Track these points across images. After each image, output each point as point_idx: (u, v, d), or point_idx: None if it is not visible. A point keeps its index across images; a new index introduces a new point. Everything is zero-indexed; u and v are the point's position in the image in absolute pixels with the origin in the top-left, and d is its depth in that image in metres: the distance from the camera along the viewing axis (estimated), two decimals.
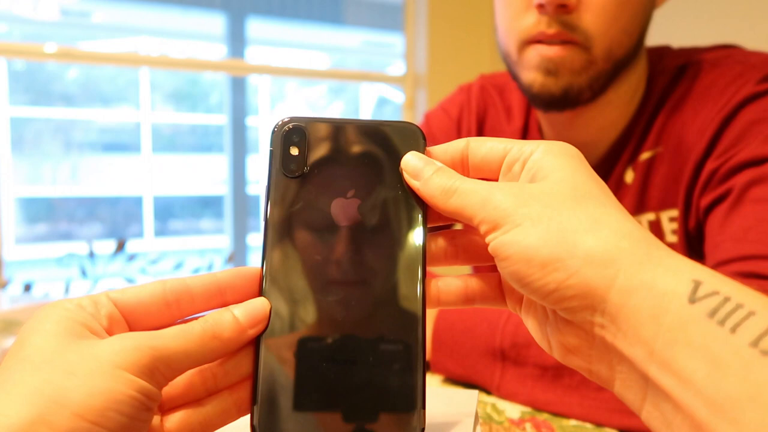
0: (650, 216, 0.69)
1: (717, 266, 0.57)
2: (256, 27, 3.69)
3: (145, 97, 3.75)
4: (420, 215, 0.32)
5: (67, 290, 2.55)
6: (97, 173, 3.85)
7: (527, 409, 0.57)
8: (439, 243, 0.33)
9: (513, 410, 0.56)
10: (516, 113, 0.80)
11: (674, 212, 0.67)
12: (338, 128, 0.32)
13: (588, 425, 0.54)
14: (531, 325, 0.31)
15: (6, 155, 3.42)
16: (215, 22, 3.56)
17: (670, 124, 0.67)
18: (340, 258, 0.31)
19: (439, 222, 0.33)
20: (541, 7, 0.62)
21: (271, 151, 0.32)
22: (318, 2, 3.68)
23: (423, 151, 0.32)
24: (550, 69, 0.64)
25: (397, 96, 3.33)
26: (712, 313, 0.23)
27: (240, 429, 0.34)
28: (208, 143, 4.09)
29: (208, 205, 4.11)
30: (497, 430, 0.52)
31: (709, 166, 0.62)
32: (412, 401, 0.30)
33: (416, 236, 0.31)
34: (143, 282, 0.30)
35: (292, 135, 0.32)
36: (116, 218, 3.92)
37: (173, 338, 0.27)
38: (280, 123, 0.32)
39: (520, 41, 0.65)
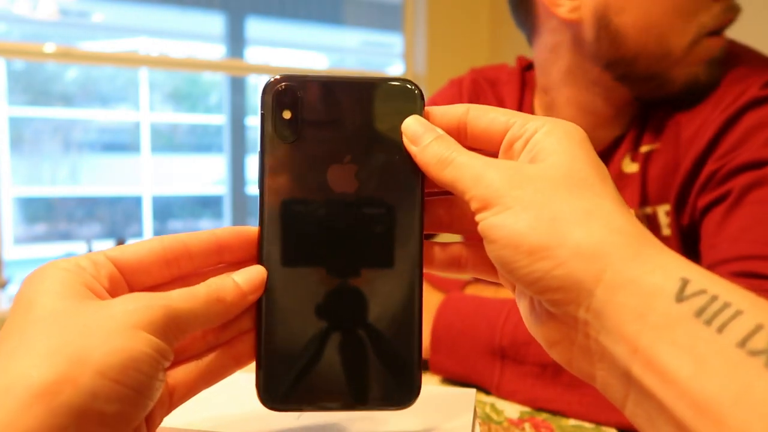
0: (647, 210, 0.69)
1: (714, 266, 0.57)
2: (255, 27, 3.68)
3: (144, 97, 3.75)
4: (418, 180, 0.31)
5: None
6: (96, 173, 3.84)
7: (526, 409, 0.57)
8: (436, 210, 0.33)
9: (512, 410, 0.56)
10: (508, 107, 0.79)
11: (668, 207, 0.67)
12: (333, 87, 0.31)
13: (587, 425, 0.54)
14: (522, 308, 0.31)
15: (5, 155, 3.42)
16: (214, 22, 3.56)
17: (669, 120, 0.67)
18: (338, 223, 0.31)
19: (435, 188, 0.32)
20: None
21: (262, 114, 0.30)
22: (317, 2, 3.68)
23: (421, 110, 0.31)
24: (720, 58, 0.65)
25: None
26: (699, 312, 0.22)
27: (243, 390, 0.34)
28: (207, 143, 4.09)
29: (207, 205, 4.11)
30: (496, 430, 0.52)
31: (709, 167, 0.62)
32: (410, 366, 0.31)
33: (414, 202, 0.31)
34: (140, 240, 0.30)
35: (284, 97, 0.30)
36: (115, 218, 3.92)
37: (181, 299, 0.27)
38: (271, 83, 0.31)
39: (699, 35, 0.64)
